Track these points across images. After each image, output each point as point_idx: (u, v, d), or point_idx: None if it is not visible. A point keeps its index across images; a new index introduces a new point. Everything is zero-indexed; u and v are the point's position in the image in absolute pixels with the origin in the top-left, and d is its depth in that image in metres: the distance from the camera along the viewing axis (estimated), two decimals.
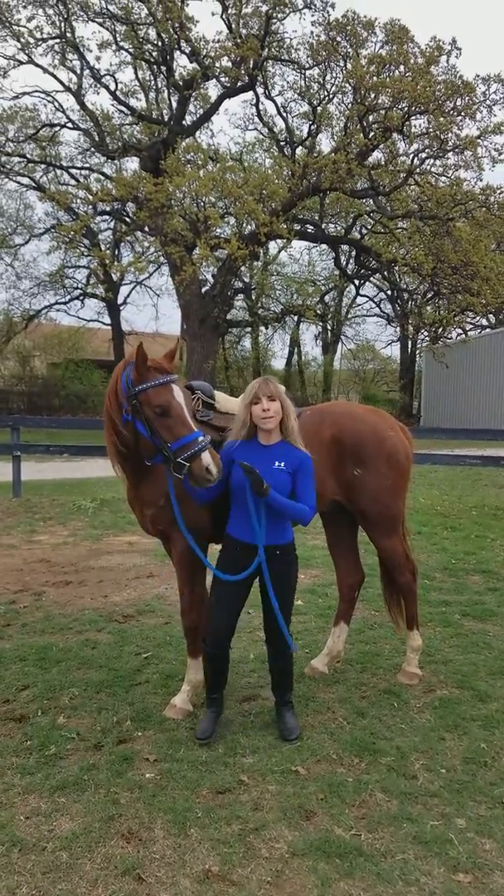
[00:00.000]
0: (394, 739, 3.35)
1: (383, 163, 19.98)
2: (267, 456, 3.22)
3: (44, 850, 2.53)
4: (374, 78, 18.27)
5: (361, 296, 32.10)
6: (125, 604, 5.64)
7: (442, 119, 18.47)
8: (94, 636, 4.84)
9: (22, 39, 18.72)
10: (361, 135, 18.00)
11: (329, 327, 34.39)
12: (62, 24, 18.96)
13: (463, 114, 19.11)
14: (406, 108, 18.24)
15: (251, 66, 17.31)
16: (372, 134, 18.57)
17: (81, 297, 27.65)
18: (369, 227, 24.43)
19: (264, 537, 3.21)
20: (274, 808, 2.80)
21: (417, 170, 19.53)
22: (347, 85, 19.76)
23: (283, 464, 3.21)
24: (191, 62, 18.31)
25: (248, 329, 30.20)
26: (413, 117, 18.76)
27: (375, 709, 3.67)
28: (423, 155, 19.52)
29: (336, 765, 3.12)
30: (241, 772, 3.06)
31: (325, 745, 3.29)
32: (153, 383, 3.12)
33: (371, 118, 18.83)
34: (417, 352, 35.86)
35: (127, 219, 21.03)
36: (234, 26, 17.71)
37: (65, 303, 27.50)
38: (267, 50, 18.60)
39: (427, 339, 33.81)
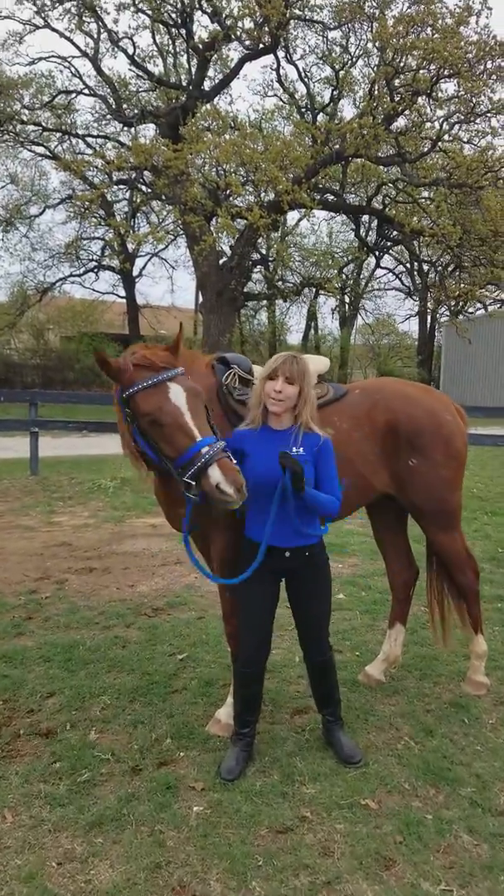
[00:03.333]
0: (471, 764, 2.95)
1: (408, 129, 19.17)
2: (281, 442, 2.76)
3: None
4: (402, 39, 17.42)
5: (381, 268, 31.28)
6: (154, 594, 5.27)
7: (471, 84, 17.62)
8: (123, 632, 4.47)
9: (38, 2, 17.94)
10: (388, 98, 17.18)
11: (347, 301, 33.63)
12: None
13: (495, 76, 18.24)
14: (435, 71, 17.39)
15: (274, 25, 16.46)
16: (399, 98, 17.75)
17: (96, 270, 27.05)
18: (392, 196, 23.62)
19: (274, 536, 2.78)
20: (346, 854, 2.41)
21: (446, 136, 18.73)
22: (373, 47, 18.90)
23: (301, 449, 2.77)
24: (212, 22, 17.46)
25: (265, 302, 29.55)
26: (442, 80, 17.93)
27: (444, 725, 3.27)
28: (453, 120, 18.70)
29: (410, 797, 2.73)
30: (303, 805, 2.67)
31: (394, 771, 2.90)
32: (139, 386, 2.54)
33: (397, 82, 18.00)
34: (437, 327, 35.08)
35: (144, 188, 20.38)
36: None
37: (79, 275, 26.92)
38: (289, 10, 17.72)
39: (448, 313, 33.04)
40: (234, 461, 2.55)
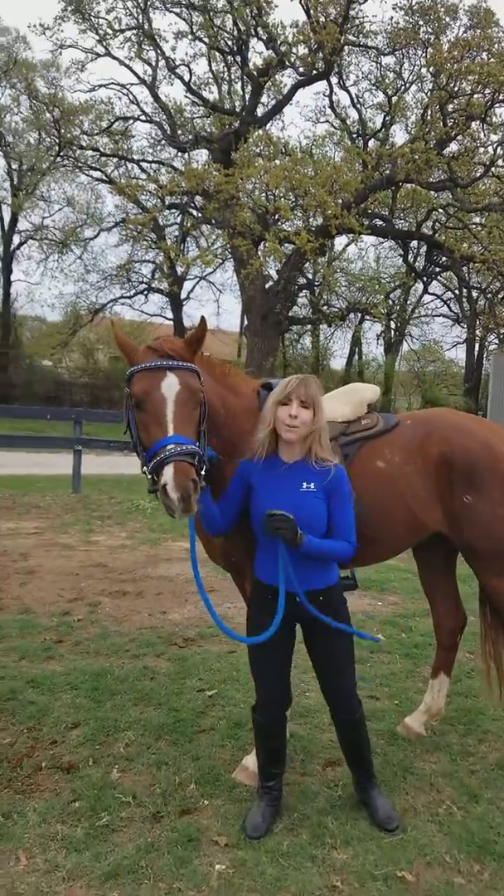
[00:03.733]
0: None
1: (461, 153, 19.00)
2: (290, 476, 2.57)
3: None
4: (457, 64, 17.33)
5: (429, 294, 30.86)
6: (185, 623, 5.14)
7: None
8: (153, 663, 4.34)
9: (100, 31, 18.59)
10: (441, 123, 17.07)
11: (393, 326, 33.29)
12: (140, 16, 18.76)
13: None
14: (490, 95, 17.23)
15: (329, 51, 16.58)
16: (452, 122, 17.63)
17: (146, 292, 27.47)
18: (442, 222, 23.41)
19: (291, 580, 2.57)
20: None
21: (500, 161, 18.49)
22: (426, 72, 18.86)
23: (312, 484, 2.55)
24: (267, 49, 17.73)
25: (309, 327, 29.50)
26: (497, 105, 17.74)
27: (490, 790, 3.02)
28: None
29: (452, 872, 2.50)
30: (333, 872, 2.47)
31: (435, 840, 2.67)
32: (139, 366, 2.44)
33: (451, 106, 17.90)
34: (486, 355, 34.43)
35: (194, 212, 20.68)
36: (312, 12, 17.04)
37: (130, 297, 27.37)
38: (344, 36, 17.86)
39: (497, 341, 32.39)
40: (201, 472, 2.38)
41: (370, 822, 2.76)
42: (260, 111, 19.60)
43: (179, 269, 25.75)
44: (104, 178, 22.15)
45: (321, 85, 19.89)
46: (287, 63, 17.39)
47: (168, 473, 2.25)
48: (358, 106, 21.57)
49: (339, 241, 25.57)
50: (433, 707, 3.49)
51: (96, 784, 2.96)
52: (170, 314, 29.53)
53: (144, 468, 2.42)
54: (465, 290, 27.58)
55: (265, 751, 2.83)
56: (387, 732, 3.51)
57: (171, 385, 2.42)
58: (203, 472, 2.45)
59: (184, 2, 18.50)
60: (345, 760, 2.93)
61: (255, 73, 18.04)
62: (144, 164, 22.26)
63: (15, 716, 3.51)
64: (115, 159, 21.65)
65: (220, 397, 2.80)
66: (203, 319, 2.60)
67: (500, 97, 17.21)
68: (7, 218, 27.50)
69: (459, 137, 18.50)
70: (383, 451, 3.06)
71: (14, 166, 26.01)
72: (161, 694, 3.86)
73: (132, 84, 20.53)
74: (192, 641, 4.75)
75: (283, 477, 2.58)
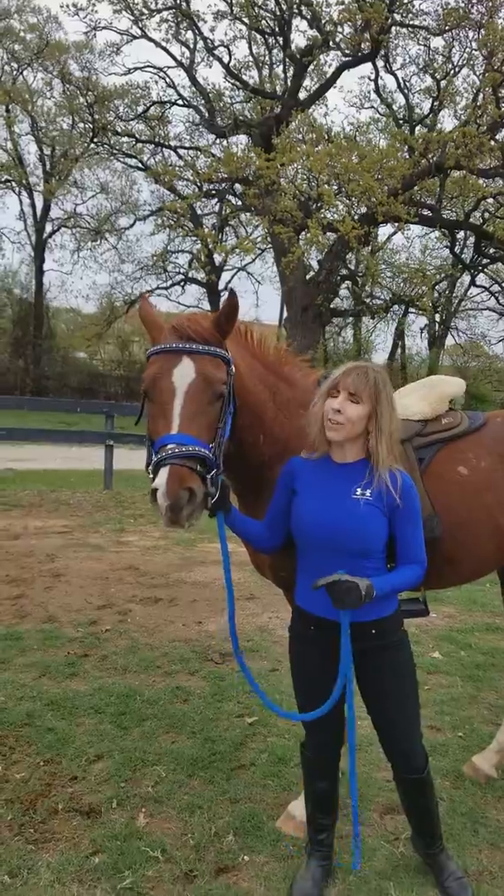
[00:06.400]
0: None
1: None
2: (340, 479, 2.13)
3: None
4: None
5: (477, 286, 29.82)
6: (222, 635, 4.73)
7: None
8: (186, 682, 3.95)
9: (136, 11, 18.20)
10: (494, 105, 16.29)
11: (437, 320, 32.37)
12: None
13: None
14: None
15: (376, 30, 15.94)
16: None
17: (183, 283, 27.13)
18: (492, 211, 22.54)
19: (321, 602, 2.10)
20: None
21: None
22: (478, 54, 18.08)
23: (367, 492, 2.08)
24: (311, 28, 17.19)
25: (351, 319, 28.86)
26: None
27: None
28: None
29: None
30: None
31: None
32: (154, 348, 2.13)
33: None
34: None
35: (233, 199, 20.29)
36: None
37: (166, 288, 27.08)
38: (392, 16, 17.20)
39: None
40: (208, 480, 2.00)
41: (438, 890, 2.33)
42: (302, 95, 19.06)
43: (217, 259, 25.36)
44: (140, 165, 21.82)
45: (366, 69, 19.30)
46: (332, 43, 16.80)
47: (161, 478, 1.92)
48: (405, 91, 20.89)
49: (383, 232, 24.88)
50: None
51: (120, 833, 2.58)
52: (207, 305, 29.17)
53: (146, 464, 2.07)
54: None
55: (314, 796, 2.42)
56: (451, 772, 3.07)
57: (184, 373, 2.05)
58: (213, 479, 2.05)
59: None
60: (410, 829, 2.48)
61: (297, 54, 17.50)
62: (181, 151, 21.89)
63: (31, 745, 3.15)
64: (151, 146, 21.30)
65: (271, 388, 2.41)
66: (233, 293, 2.17)
67: None
68: (39, 205, 27.31)
69: None
70: (467, 455, 2.59)
71: (46, 151, 25.86)
72: (195, 720, 3.47)
73: (169, 67, 20.15)
74: (229, 657, 4.35)
75: (331, 480, 2.14)
